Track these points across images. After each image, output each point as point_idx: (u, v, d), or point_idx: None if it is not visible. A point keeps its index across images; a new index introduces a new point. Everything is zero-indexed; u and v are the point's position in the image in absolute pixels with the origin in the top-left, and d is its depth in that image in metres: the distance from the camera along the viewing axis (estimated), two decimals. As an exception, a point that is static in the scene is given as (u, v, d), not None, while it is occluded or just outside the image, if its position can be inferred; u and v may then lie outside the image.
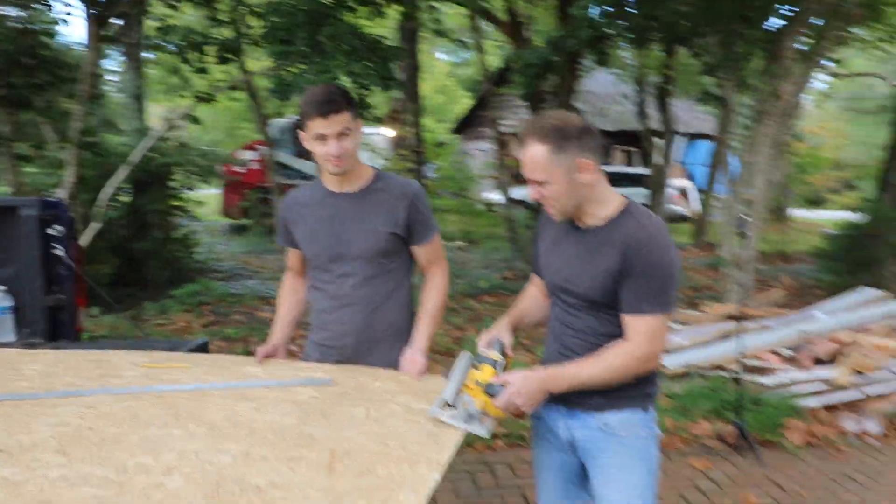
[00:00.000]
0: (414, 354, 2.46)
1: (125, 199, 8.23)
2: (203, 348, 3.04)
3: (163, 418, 2.04)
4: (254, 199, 13.71)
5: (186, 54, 6.31)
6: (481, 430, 1.98)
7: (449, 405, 1.99)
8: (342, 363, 2.52)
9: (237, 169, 14.21)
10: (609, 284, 1.98)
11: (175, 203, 8.92)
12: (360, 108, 6.17)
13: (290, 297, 2.76)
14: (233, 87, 6.93)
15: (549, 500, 2.29)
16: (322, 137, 2.32)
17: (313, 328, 2.64)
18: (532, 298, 2.37)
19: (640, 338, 1.96)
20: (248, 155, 14.47)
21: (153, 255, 8.18)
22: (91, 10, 6.70)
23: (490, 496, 3.82)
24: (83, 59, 7.64)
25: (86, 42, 6.72)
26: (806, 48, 7.46)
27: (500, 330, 2.20)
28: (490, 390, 1.98)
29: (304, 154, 14.95)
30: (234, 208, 14.55)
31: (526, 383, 1.96)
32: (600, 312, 2.05)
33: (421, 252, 2.57)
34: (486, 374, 2.02)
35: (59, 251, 3.17)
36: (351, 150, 2.39)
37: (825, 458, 4.33)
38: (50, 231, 3.17)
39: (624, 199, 2.07)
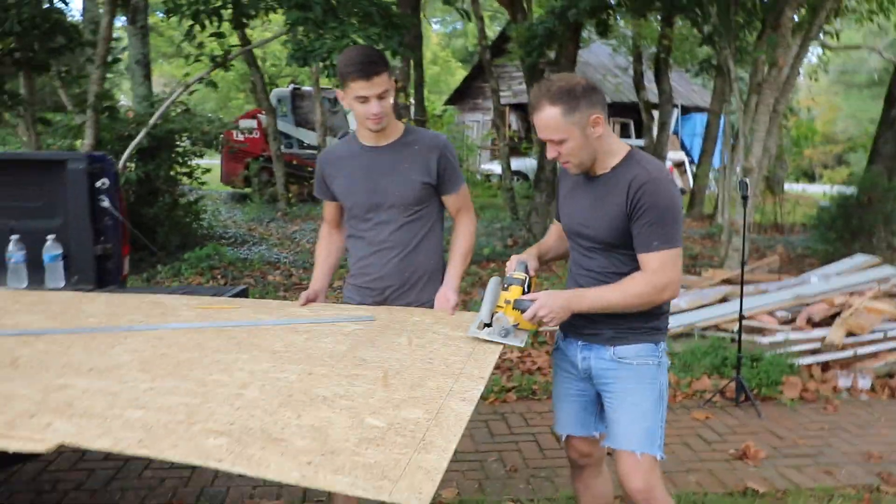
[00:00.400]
0: (447, 292, 2.68)
1: (132, 164, 8.36)
2: (244, 294, 3.24)
3: (227, 347, 2.25)
4: (255, 169, 13.82)
5: (203, 18, 6.42)
6: (517, 342, 2.25)
7: (486, 325, 2.25)
8: (380, 304, 2.72)
9: (238, 137, 14.29)
10: (618, 225, 2.17)
11: (182, 170, 9.04)
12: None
13: (327, 246, 2.94)
14: (220, 59, 7.00)
15: (567, 426, 2.49)
16: (364, 98, 2.49)
17: (352, 274, 2.83)
18: (555, 236, 2.59)
19: (657, 270, 2.14)
20: (248, 123, 14.54)
21: (162, 220, 8.32)
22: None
23: (504, 442, 4.04)
24: (87, 25, 7.73)
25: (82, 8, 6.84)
26: (801, 20, 7.64)
27: (526, 255, 2.42)
28: (519, 305, 2.22)
29: (304, 123, 15.06)
30: (235, 177, 14.65)
31: (551, 298, 2.18)
32: (612, 253, 2.24)
33: (450, 200, 2.77)
34: (514, 293, 2.25)
35: (106, 203, 3.35)
36: (389, 108, 2.58)
37: (819, 411, 4.57)
38: (97, 184, 3.35)
39: (628, 146, 2.26)
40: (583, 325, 2.34)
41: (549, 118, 2.13)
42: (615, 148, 2.23)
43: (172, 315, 2.62)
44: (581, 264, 2.35)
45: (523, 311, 2.21)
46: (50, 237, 3.26)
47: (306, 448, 1.54)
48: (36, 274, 3.27)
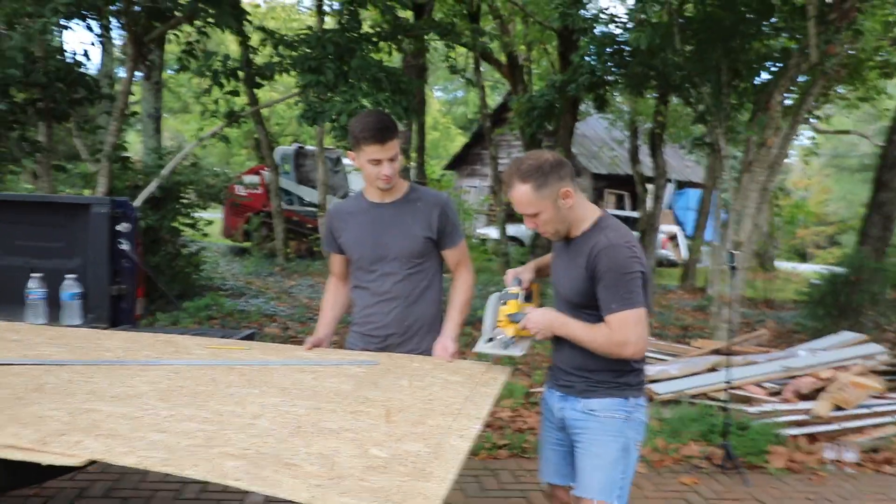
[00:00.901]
0: (445, 341, 2.84)
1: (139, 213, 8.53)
2: (251, 338, 3.37)
3: (239, 382, 2.37)
4: (256, 223, 14.01)
5: (221, 79, 6.74)
6: (517, 351, 2.47)
7: (490, 340, 2.46)
8: (381, 351, 2.87)
9: (240, 192, 14.54)
10: (582, 287, 2.34)
11: (186, 221, 9.21)
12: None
13: (333, 297, 3.11)
14: (234, 115, 7.29)
15: (548, 474, 2.63)
16: (377, 161, 2.71)
17: (356, 322, 2.99)
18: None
19: (615, 328, 2.26)
20: (251, 179, 14.81)
21: (164, 269, 8.45)
22: (131, 33, 7.13)
23: (494, 498, 4.10)
24: (102, 78, 8.01)
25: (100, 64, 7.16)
26: (791, 103, 7.97)
27: (522, 268, 2.63)
28: (513, 318, 2.45)
29: (306, 181, 15.34)
30: (235, 231, 14.82)
31: (539, 315, 2.40)
32: (581, 311, 2.38)
33: (450, 254, 2.96)
34: (511, 307, 2.47)
35: (125, 246, 3.51)
36: (398, 170, 2.80)
37: (805, 481, 4.65)
38: (118, 227, 3.51)
39: (600, 212, 2.43)
40: (560, 376, 2.51)
41: (521, 195, 2.31)
42: (586, 214, 2.39)
43: (185, 353, 2.74)
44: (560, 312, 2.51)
45: (515, 322, 2.45)
46: (69, 276, 3.41)
47: (315, 473, 1.66)
48: (54, 311, 3.41)
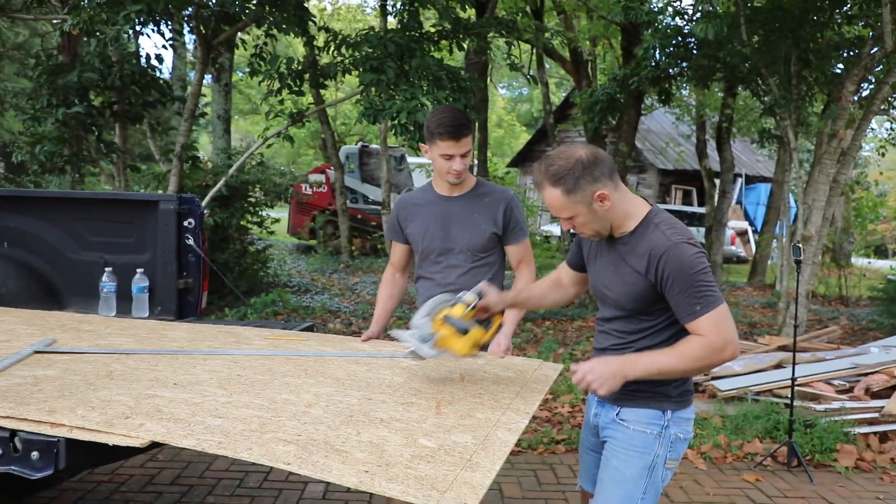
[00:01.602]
0: (500, 338, 2.85)
1: (207, 211, 8.81)
2: (310, 329, 3.46)
3: (295, 372, 2.45)
4: (321, 221, 14.27)
5: (287, 80, 6.92)
6: (425, 352, 2.27)
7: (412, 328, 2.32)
8: None
9: (306, 191, 14.83)
10: (638, 292, 2.11)
11: (253, 219, 9.46)
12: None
13: (390, 288, 3.17)
14: (298, 115, 7.48)
15: (583, 477, 2.49)
16: (449, 156, 2.77)
17: None
18: (548, 285, 2.57)
19: (710, 333, 2.01)
20: (317, 178, 15.09)
21: (232, 266, 8.70)
22: (201, 37, 7.39)
23: (551, 492, 4.11)
24: (175, 81, 8.30)
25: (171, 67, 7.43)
26: (865, 93, 7.68)
27: (494, 291, 2.41)
28: (449, 320, 2.26)
29: (370, 179, 15.54)
30: (301, 228, 15.13)
31: (601, 364, 2.08)
32: (634, 319, 2.16)
33: (513, 250, 2.99)
34: (456, 310, 2.30)
35: (191, 241, 3.65)
36: (468, 166, 2.86)
37: (874, 481, 4.49)
38: (184, 223, 3.66)
39: (647, 206, 2.19)
40: None
41: (552, 199, 2.11)
42: (631, 211, 2.16)
43: (246, 343, 2.84)
44: (604, 317, 2.30)
45: (457, 329, 2.25)
46: (139, 270, 3.58)
47: (364, 459, 1.70)
48: (123, 303, 3.58)
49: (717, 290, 2.06)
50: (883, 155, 14.13)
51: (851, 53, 8.09)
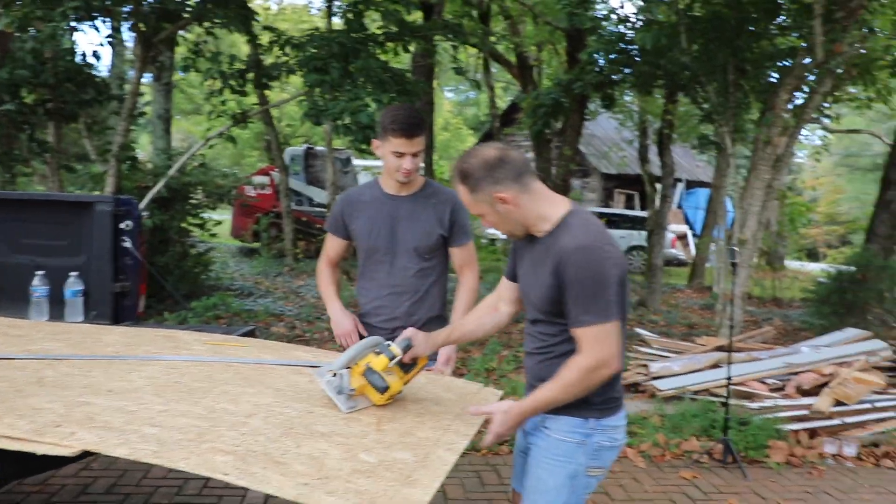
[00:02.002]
0: (449, 350, 2.89)
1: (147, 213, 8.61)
2: (251, 334, 3.41)
3: (234, 380, 2.41)
4: (265, 224, 14.07)
5: (230, 80, 6.81)
6: (343, 405, 2.17)
7: (333, 374, 2.20)
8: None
9: (249, 193, 14.63)
10: (550, 294, 2.06)
11: (194, 221, 9.27)
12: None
13: (329, 277, 3.13)
14: (241, 115, 7.37)
15: (515, 478, 2.44)
16: (400, 154, 2.74)
17: (363, 313, 3.05)
18: (478, 317, 2.48)
19: (587, 348, 1.99)
20: (261, 180, 14.89)
21: (172, 269, 8.51)
22: (140, 34, 7.22)
23: (494, 492, 4.14)
24: (113, 79, 8.11)
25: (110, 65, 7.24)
26: (799, 102, 7.95)
27: (421, 336, 2.29)
28: (368, 376, 2.18)
29: (315, 181, 15.41)
30: (245, 231, 14.90)
31: (500, 416, 2.08)
32: (552, 320, 2.12)
33: (457, 253, 3.00)
34: (379, 363, 2.19)
35: (128, 243, 3.56)
36: (419, 166, 2.86)
37: (804, 475, 4.65)
38: (121, 225, 3.57)
39: (568, 206, 2.13)
40: (528, 385, 2.26)
41: (461, 196, 2.15)
42: (547, 212, 2.11)
43: (185, 349, 2.79)
44: (529, 320, 2.27)
45: (373, 385, 2.18)
46: (73, 274, 3.47)
47: (303, 472, 1.69)
48: (56, 308, 3.47)
49: (612, 304, 1.99)
50: (818, 161, 14.63)
51: (785, 63, 8.37)
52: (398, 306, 2.92)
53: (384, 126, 2.76)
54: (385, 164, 2.85)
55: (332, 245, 3.09)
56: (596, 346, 1.97)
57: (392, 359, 2.20)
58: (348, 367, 2.19)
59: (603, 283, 1.97)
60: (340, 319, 3.00)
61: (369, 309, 3.01)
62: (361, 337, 2.92)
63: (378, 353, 2.21)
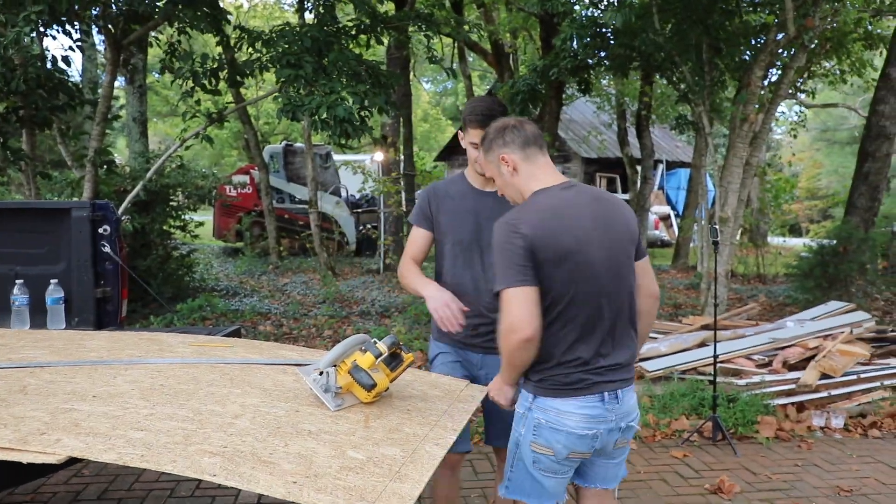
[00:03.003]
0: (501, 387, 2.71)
1: (127, 217, 8.54)
2: (236, 334, 3.40)
3: (220, 381, 2.39)
4: (248, 223, 14.00)
5: (203, 79, 6.74)
6: (330, 403, 2.16)
7: (320, 372, 2.19)
8: (474, 338, 2.83)
9: (230, 192, 14.54)
10: None
11: (175, 223, 9.22)
12: (362, 130, 6.64)
13: (415, 267, 2.89)
14: (216, 115, 7.30)
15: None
16: (476, 145, 2.64)
17: None
18: None
19: (501, 313, 2.16)
20: (241, 179, 14.81)
21: (155, 272, 8.46)
22: (109, 37, 7.14)
23: (487, 479, 4.15)
24: (86, 84, 8.03)
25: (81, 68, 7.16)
26: (774, 78, 8.01)
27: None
28: (354, 373, 2.15)
29: (295, 178, 15.33)
30: (227, 231, 14.82)
31: (496, 384, 2.37)
32: None
33: None
34: (365, 360, 2.17)
35: (107, 248, 3.53)
36: None
37: (793, 449, 4.71)
38: (99, 231, 3.54)
39: (538, 187, 2.24)
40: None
41: (480, 158, 2.40)
42: (530, 187, 2.26)
43: (169, 351, 2.77)
44: None
45: (360, 383, 2.16)
46: (53, 281, 3.44)
47: (292, 470, 1.68)
48: (38, 316, 3.44)
49: (516, 272, 2.11)
50: (795, 136, 14.73)
51: (759, 40, 8.42)
52: (479, 302, 2.77)
53: (464, 117, 2.74)
54: (468, 155, 2.78)
55: (416, 238, 2.91)
56: (505, 310, 2.13)
57: (378, 356, 2.19)
58: (334, 366, 2.19)
59: (506, 254, 2.13)
60: (437, 293, 2.73)
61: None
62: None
63: (364, 351, 2.20)
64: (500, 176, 2.30)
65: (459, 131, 2.82)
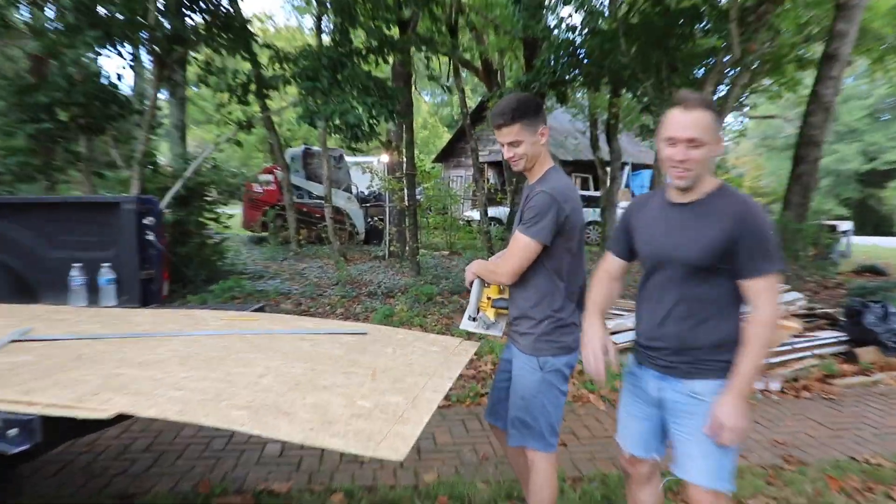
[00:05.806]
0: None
1: (168, 210, 8.50)
2: (261, 310, 3.40)
3: (247, 349, 2.41)
4: (272, 215, 13.98)
5: (237, 91, 6.72)
6: (496, 331, 2.46)
7: (472, 318, 2.45)
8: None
9: (257, 189, 14.50)
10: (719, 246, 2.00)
11: (209, 216, 9.18)
12: (370, 135, 6.63)
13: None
14: (245, 122, 7.32)
15: (630, 444, 2.27)
16: (502, 144, 2.37)
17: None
18: (604, 290, 2.34)
19: (761, 301, 1.92)
20: (266, 177, 14.77)
21: (192, 258, 8.44)
22: (155, 56, 7.11)
23: (477, 436, 4.17)
24: (136, 96, 7.97)
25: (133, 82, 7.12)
26: (722, 94, 8.00)
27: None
28: (496, 304, 2.43)
29: (313, 177, 15.28)
30: (254, 222, 14.78)
31: (734, 413, 1.93)
32: (708, 277, 2.01)
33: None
34: (493, 290, 2.45)
35: (151, 237, 3.53)
36: (522, 155, 2.36)
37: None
38: (144, 221, 3.53)
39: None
40: (657, 357, 2.11)
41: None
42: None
43: (203, 325, 2.78)
44: (665, 290, 2.10)
45: (503, 308, 2.42)
46: (105, 265, 3.44)
47: (309, 419, 1.70)
48: (92, 295, 3.44)
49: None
50: (738, 143, 14.70)
51: (709, 61, 8.41)
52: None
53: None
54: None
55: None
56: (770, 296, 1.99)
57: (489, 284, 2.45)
58: (479, 308, 2.44)
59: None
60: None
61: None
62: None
63: (488, 285, 2.44)
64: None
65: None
